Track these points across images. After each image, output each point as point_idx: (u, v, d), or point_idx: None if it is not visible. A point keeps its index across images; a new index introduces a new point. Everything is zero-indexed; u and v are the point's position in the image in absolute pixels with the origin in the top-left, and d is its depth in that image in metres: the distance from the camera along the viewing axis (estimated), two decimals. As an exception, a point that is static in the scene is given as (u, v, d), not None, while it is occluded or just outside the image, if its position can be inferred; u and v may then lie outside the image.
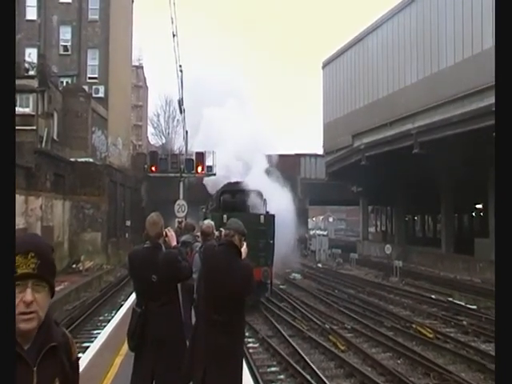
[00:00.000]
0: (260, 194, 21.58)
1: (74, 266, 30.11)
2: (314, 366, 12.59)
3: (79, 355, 9.24)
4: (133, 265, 5.96)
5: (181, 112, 30.45)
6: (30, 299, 2.02)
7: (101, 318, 19.41)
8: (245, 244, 5.60)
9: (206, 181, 28.91)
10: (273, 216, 20.85)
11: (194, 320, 10.37)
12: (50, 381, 2.11)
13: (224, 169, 25.84)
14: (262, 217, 20.45)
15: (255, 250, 18.14)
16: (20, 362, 2.01)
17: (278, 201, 23.41)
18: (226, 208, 20.92)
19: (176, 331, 5.74)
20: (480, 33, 28.76)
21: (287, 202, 25.57)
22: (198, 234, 12.30)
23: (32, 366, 2.05)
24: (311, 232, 56.01)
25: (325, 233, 56.01)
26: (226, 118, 27.91)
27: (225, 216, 17.88)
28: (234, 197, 22.11)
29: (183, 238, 12.03)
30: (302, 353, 13.89)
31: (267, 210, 21.15)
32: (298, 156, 54.38)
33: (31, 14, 40.86)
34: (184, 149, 30.71)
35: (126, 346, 6.19)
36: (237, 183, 22.56)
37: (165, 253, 5.80)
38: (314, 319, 18.43)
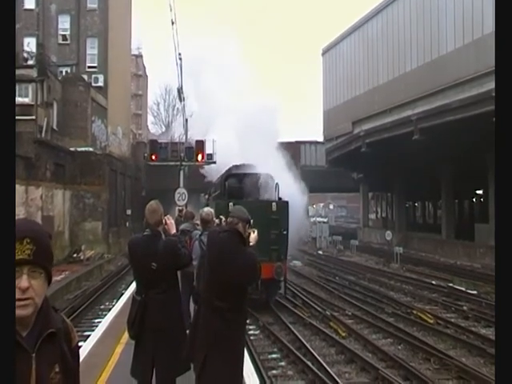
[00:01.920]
0: (271, 178, 18.81)
1: (74, 255, 30.20)
2: (314, 353, 12.63)
3: (80, 344, 9.30)
4: (132, 253, 5.96)
5: (180, 100, 30.39)
6: (25, 285, 2.02)
7: (102, 306, 19.48)
8: (256, 231, 5.57)
9: (207, 168, 28.08)
10: (286, 203, 18.19)
11: (191, 308, 10.45)
12: (49, 367, 2.10)
13: (228, 149, 23.39)
14: (273, 204, 17.76)
15: (266, 242, 16.36)
16: (18, 348, 2.00)
17: (291, 185, 20.76)
18: (232, 194, 18.44)
19: (176, 319, 5.76)
20: (480, 18, 28.64)
21: (299, 187, 22.56)
22: (198, 222, 12.33)
23: (30, 353, 2.05)
24: (312, 219, 56.04)
25: (325, 220, 56.06)
26: (228, 92, 26.41)
27: (231, 204, 15.70)
28: (241, 181, 19.33)
29: (182, 226, 12.02)
30: (302, 339, 13.94)
31: (279, 196, 18.43)
32: (298, 143, 54.24)
33: (29, 3, 40.66)
34: (184, 137, 30.65)
35: (126, 335, 6.22)
36: (244, 166, 19.80)
37: (164, 240, 5.81)
38: (315, 306, 18.48)
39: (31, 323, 2.09)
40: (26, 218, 2.34)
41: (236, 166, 20.13)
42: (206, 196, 26.62)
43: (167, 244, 5.78)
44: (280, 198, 18.29)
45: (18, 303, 2.00)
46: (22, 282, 2.02)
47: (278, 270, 17.28)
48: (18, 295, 2.00)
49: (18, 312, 2.00)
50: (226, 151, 23.76)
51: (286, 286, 19.48)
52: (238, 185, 19.26)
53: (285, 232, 17.98)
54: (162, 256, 5.63)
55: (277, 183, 18.43)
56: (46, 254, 2.13)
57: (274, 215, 17.60)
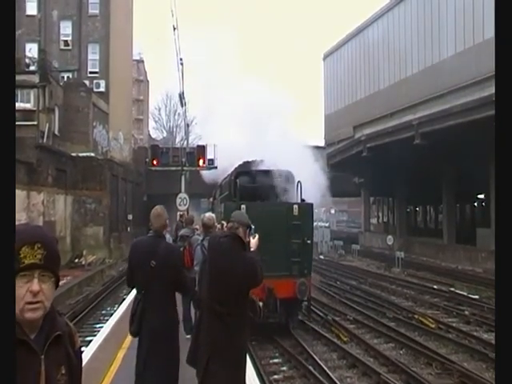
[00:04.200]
0: (291, 176, 15.81)
1: (76, 260, 30.20)
2: (316, 358, 12.62)
3: (82, 349, 9.35)
4: (134, 251, 6.14)
5: (182, 105, 30.45)
6: (36, 289, 2.06)
7: (103, 311, 19.48)
8: (256, 236, 5.58)
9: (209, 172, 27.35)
10: (310, 206, 15.15)
11: (192, 313, 10.44)
12: (56, 368, 2.15)
13: (237, 147, 19.86)
14: (295, 207, 14.73)
15: (286, 253, 14.21)
16: (28, 350, 2.06)
17: (316, 185, 17.02)
18: (245, 195, 15.32)
19: (171, 324, 5.89)
20: (481, 22, 28.70)
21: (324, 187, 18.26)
22: (197, 227, 12.35)
23: (39, 354, 2.09)
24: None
25: (326, 224, 56.05)
26: (231, 90, 24.12)
27: (243, 206, 13.35)
28: (255, 180, 16.43)
29: (181, 232, 12.04)
30: (304, 344, 13.92)
31: (302, 197, 15.24)
32: (299, 148, 54.15)
33: (31, 9, 40.83)
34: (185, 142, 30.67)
35: (128, 340, 6.28)
36: (257, 162, 16.78)
37: (168, 243, 6.00)
38: (317, 311, 18.45)
39: (39, 326, 2.14)
40: (35, 224, 2.39)
41: (248, 162, 17.08)
42: (211, 199, 25.52)
43: (169, 246, 6.08)
44: (303, 200, 15.21)
45: (28, 306, 2.06)
46: (34, 285, 2.07)
47: (302, 287, 14.24)
48: (29, 298, 2.06)
49: (29, 315, 2.06)
50: (235, 150, 20.59)
51: (310, 307, 16.45)
52: (252, 184, 16.39)
53: (309, 241, 14.90)
54: (162, 255, 5.79)
55: (299, 182, 15.30)
56: (56, 258, 2.19)
57: (296, 220, 14.63)
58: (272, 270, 12.38)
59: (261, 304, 13.63)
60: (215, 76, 27.43)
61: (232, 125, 22.53)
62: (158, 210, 6.18)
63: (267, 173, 15.99)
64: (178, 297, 11.80)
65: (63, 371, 2.18)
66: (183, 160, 27.04)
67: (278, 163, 15.92)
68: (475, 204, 50.35)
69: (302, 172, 15.76)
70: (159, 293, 5.79)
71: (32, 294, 2.06)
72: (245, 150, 18.48)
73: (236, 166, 17.54)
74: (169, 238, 13.07)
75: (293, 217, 14.60)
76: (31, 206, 26.26)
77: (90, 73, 41.80)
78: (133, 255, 6.15)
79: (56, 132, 32.68)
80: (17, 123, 25.22)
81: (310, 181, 15.92)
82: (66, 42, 41.79)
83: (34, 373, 2.07)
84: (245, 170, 16.80)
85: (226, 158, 22.08)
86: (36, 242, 2.10)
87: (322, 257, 40.26)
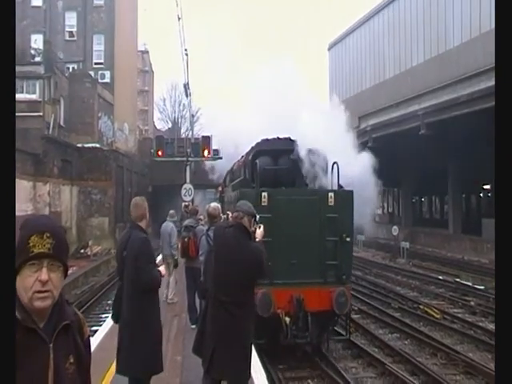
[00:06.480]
0: (323, 157, 12.46)
1: (82, 250, 30.30)
2: (321, 348, 12.62)
3: (88, 338, 9.38)
4: (118, 243, 6.59)
5: (187, 96, 30.44)
6: (45, 278, 2.09)
7: (109, 301, 19.50)
8: (262, 226, 5.59)
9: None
10: (350, 193, 11.71)
11: (197, 303, 10.47)
12: (65, 357, 2.18)
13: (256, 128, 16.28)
14: (330, 195, 11.41)
15: (319, 254, 11.29)
16: (36, 338, 2.10)
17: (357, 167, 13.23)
18: (266, 180, 12.34)
19: (140, 315, 5.74)
20: (488, 11, 28.45)
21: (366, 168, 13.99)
22: (201, 217, 12.37)
23: (48, 343, 2.13)
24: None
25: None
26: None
27: (264, 194, 11.04)
28: (277, 161, 13.45)
29: (186, 222, 12.07)
30: (309, 334, 13.88)
31: (339, 183, 11.92)
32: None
33: (36, 0, 40.78)
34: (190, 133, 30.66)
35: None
36: (278, 140, 13.66)
37: (138, 233, 5.92)
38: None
39: (48, 315, 2.16)
40: (44, 214, 2.41)
41: (267, 140, 13.88)
42: (219, 188, 23.93)
43: (136, 235, 5.89)
44: (341, 187, 11.93)
45: (37, 295, 2.09)
46: (43, 274, 2.10)
47: (341, 299, 11.17)
48: (38, 287, 2.09)
49: (38, 304, 2.09)
50: (248, 134, 17.01)
51: (349, 323, 12.95)
52: (273, 166, 13.36)
53: (348, 239, 11.62)
54: (130, 245, 5.85)
55: (335, 163, 11.97)
56: (64, 248, 2.23)
57: (332, 212, 11.38)
58: (301, 277, 10.96)
59: (287, 320, 12.02)
60: (220, 63, 27.30)
61: (244, 109, 21.47)
62: (136, 200, 6.25)
63: (293, 152, 12.98)
64: (183, 288, 11.87)
65: (71, 360, 2.20)
66: (188, 151, 27.05)
67: (306, 141, 12.81)
68: (481, 194, 50.19)
69: (336, 150, 12.35)
70: (129, 282, 5.80)
71: (41, 283, 2.09)
72: (262, 130, 15.13)
73: (253, 144, 14.32)
74: (172, 227, 13.18)
75: (328, 208, 11.42)
76: (37, 196, 26.36)
77: (95, 64, 41.81)
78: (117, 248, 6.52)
79: (61, 123, 32.77)
80: (22, 114, 25.33)
81: (347, 162, 12.50)
82: (71, 33, 41.79)
83: (42, 361, 2.10)
84: (264, 148, 13.68)
85: (236, 145, 19.78)
86: (45, 232, 2.13)
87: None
